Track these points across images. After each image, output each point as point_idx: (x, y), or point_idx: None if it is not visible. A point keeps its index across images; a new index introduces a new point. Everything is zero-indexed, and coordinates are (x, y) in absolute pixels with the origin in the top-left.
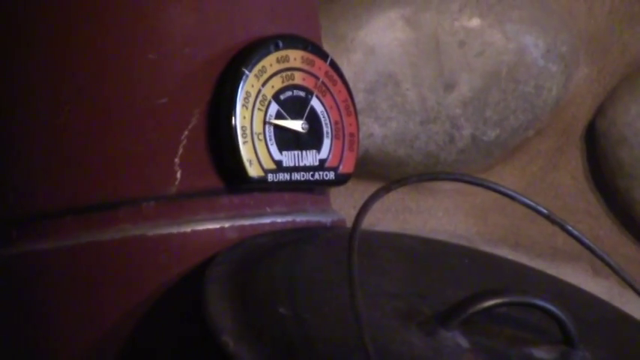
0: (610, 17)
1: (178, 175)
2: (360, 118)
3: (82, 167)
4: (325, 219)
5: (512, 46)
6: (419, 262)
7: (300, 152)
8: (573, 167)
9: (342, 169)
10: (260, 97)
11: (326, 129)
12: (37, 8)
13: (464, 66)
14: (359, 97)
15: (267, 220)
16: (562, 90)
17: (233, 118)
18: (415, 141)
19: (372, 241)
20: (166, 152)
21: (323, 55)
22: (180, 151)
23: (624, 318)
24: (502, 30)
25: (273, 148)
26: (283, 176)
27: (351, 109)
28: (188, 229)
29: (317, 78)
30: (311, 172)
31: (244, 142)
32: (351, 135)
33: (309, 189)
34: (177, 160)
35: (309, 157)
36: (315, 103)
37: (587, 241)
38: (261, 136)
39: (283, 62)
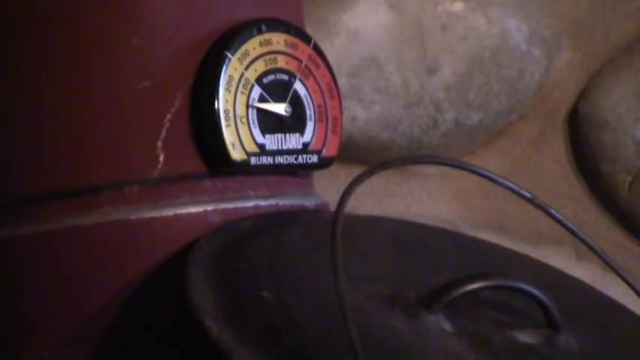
0: (593, 1)
1: (161, 158)
2: (344, 101)
3: (64, 151)
4: (309, 202)
5: (495, 30)
6: (402, 246)
7: (283, 135)
8: (556, 151)
9: (325, 153)
10: (243, 81)
11: (309, 112)
12: None
13: (447, 50)
14: (342, 81)
15: (250, 204)
16: (545, 74)
17: (216, 101)
18: (398, 125)
19: (355, 224)
20: (149, 136)
21: (306, 39)
22: (163, 134)
23: (607, 302)
24: (485, 14)
25: (256, 132)
26: (266, 159)
27: (335, 92)
28: (171, 212)
29: (300, 61)
30: (294, 156)
31: (227, 126)
32: (335, 118)
33: (293, 172)
34: (159, 143)
35: (293, 141)
36: (298, 86)
37: (570, 224)
38: (244, 120)
39: (266, 46)
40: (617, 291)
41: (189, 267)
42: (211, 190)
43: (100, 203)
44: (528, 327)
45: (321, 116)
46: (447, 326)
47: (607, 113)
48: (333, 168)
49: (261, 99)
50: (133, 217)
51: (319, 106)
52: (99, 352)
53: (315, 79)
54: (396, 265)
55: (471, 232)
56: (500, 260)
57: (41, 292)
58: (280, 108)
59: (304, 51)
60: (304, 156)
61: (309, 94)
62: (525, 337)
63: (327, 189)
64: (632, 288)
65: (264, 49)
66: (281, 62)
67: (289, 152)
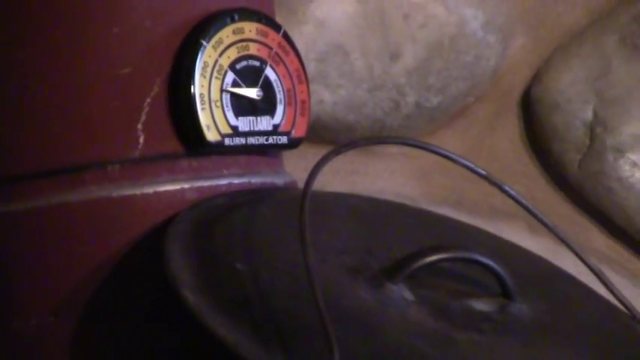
0: None
1: (141, 140)
2: (312, 86)
3: (51, 133)
4: (279, 180)
5: (454, 18)
6: (367, 220)
7: (255, 118)
8: (510, 131)
9: (294, 134)
10: (217, 67)
11: (279, 96)
12: None
13: (408, 37)
14: (310, 67)
15: (224, 182)
16: (500, 59)
17: (192, 86)
18: (363, 107)
19: (322, 201)
20: (130, 119)
21: (276, 27)
22: (143, 117)
23: (558, 272)
24: (444, 3)
25: (230, 114)
26: (239, 140)
27: (303, 77)
28: (150, 190)
29: (270, 48)
30: (265, 137)
31: (202, 109)
32: (303, 102)
33: (264, 152)
34: (140, 126)
35: (264, 123)
36: (269, 72)
37: (523, 200)
38: (219, 103)
39: (239, 34)
40: (567, 262)
41: (167, 241)
42: (188, 169)
43: (84, 181)
44: (484, 296)
45: (290, 100)
46: (409, 295)
47: (558, 96)
48: (301, 148)
49: (235, 84)
50: (115, 194)
51: (288, 91)
52: (85, 320)
53: (285, 65)
54: (361, 239)
55: (431, 208)
56: (458, 234)
57: (28, 266)
58: (252, 92)
59: (274, 39)
60: (274, 137)
61: (279, 79)
62: (481, 306)
63: (295, 168)
64: (581, 259)
65: (237, 37)
66: (253, 49)
67: (260, 133)
